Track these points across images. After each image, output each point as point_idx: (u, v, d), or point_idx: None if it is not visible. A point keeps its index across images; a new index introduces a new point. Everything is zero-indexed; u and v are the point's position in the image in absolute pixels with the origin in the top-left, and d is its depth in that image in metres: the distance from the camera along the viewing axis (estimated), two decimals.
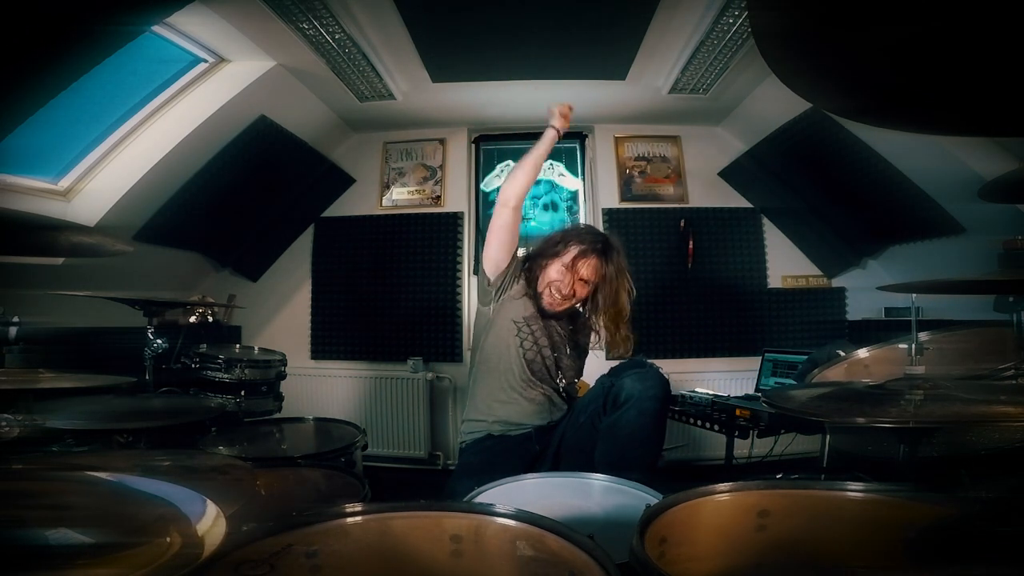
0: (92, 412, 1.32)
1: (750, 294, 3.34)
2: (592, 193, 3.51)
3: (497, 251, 1.74)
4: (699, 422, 2.12)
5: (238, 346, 2.72)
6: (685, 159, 3.46)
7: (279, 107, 2.77)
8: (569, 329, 1.83)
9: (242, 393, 2.07)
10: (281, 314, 3.51)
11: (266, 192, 3.19)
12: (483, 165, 3.58)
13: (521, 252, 1.83)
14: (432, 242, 3.41)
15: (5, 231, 0.83)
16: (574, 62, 2.68)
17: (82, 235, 1.19)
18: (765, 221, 3.41)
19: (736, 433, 1.98)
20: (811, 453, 2.25)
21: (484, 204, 3.53)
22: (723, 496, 0.87)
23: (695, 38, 2.39)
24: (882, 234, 2.98)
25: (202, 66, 2.42)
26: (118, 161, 2.37)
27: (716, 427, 2.04)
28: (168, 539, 0.57)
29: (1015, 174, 1.08)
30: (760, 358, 2.78)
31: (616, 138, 3.47)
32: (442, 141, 3.52)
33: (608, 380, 1.57)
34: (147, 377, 1.68)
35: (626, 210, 3.40)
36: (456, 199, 3.46)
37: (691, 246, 3.30)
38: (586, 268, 1.71)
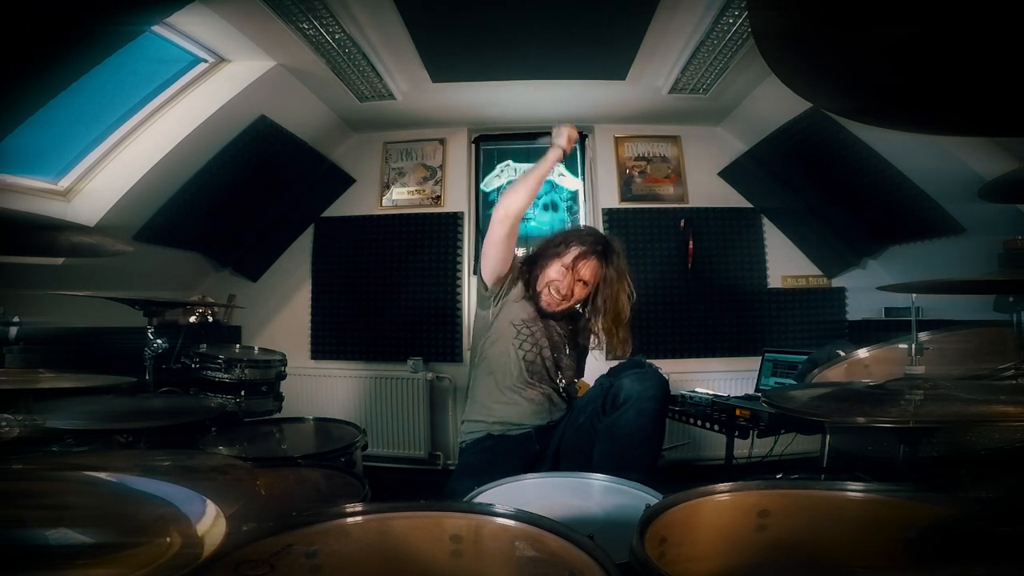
0: (92, 412, 1.32)
1: (750, 294, 3.34)
2: (592, 193, 3.51)
3: (495, 262, 1.75)
4: (699, 422, 2.12)
5: (238, 346, 2.72)
6: (685, 159, 3.46)
7: (279, 107, 2.77)
8: (569, 329, 1.83)
9: (242, 393, 2.07)
10: (281, 314, 3.51)
11: (266, 192, 3.19)
12: (483, 165, 3.58)
13: (521, 252, 1.83)
14: (432, 242, 3.41)
15: (5, 231, 0.83)
16: (574, 62, 2.68)
17: (82, 235, 1.19)
18: (765, 221, 3.41)
19: (736, 433, 1.98)
20: (811, 453, 2.25)
21: (484, 204, 3.53)
22: (723, 496, 0.87)
23: (695, 38, 2.39)
24: (882, 234, 2.98)
25: (202, 66, 2.43)
26: (118, 161, 2.37)
27: (716, 427, 2.04)
28: (168, 539, 0.57)
29: (1015, 174, 1.08)
30: (760, 358, 2.78)
31: (616, 138, 3.47)
32: (442, 141, 3.51)
33: (607, 380, 1.57)
34: (147, 377, 1.68)
35: (626, 210, 3.40)
36: (456, 199, 3.46)
37: (691, 246, 3.31)
38: (586, 269, 1.71)
